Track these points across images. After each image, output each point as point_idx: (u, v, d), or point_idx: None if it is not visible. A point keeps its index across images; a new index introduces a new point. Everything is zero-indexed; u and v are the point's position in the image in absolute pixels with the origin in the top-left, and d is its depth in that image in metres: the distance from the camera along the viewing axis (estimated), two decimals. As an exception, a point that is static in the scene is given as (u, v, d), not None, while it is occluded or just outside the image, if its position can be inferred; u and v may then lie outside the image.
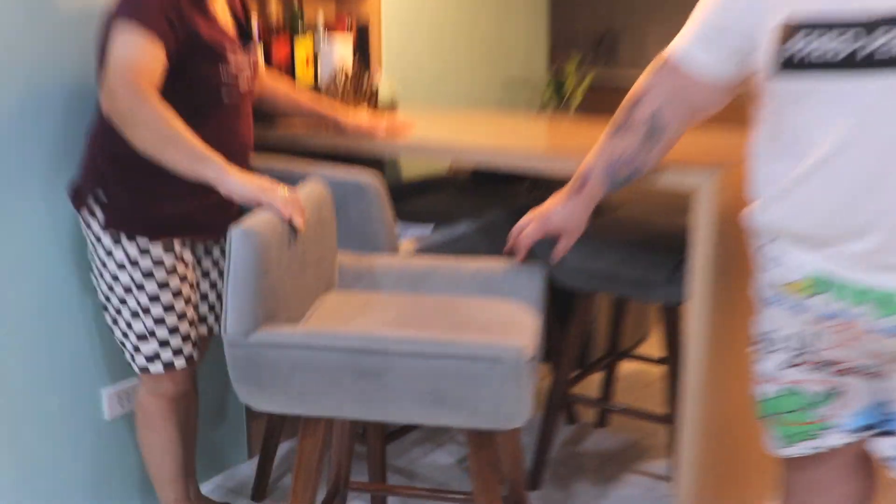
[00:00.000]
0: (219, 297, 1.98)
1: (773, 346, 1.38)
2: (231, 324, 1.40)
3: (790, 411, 1.39)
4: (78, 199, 1.82)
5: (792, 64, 1.20)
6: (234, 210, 1.87)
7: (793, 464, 1.47)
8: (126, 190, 1.77)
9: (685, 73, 1.39)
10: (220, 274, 1.98)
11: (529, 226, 1.66)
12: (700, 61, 1.37)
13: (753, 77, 1.31)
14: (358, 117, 2.14)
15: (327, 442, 1.58)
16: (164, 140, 1.56)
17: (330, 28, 2.56)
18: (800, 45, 1.18)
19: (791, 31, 1.19)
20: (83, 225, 1.83)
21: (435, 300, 1.69)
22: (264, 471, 2.25)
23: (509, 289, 1.72)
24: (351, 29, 2.59)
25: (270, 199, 1.52)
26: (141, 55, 1.59)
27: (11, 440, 1.89)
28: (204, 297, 1.96)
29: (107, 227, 1.78)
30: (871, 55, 1.13)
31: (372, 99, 2.38)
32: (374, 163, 2.51)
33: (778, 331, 1.35)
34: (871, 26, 1.13)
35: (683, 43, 1.39)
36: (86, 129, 1.84)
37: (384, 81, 2.48)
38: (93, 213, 1.79)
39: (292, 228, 1.52)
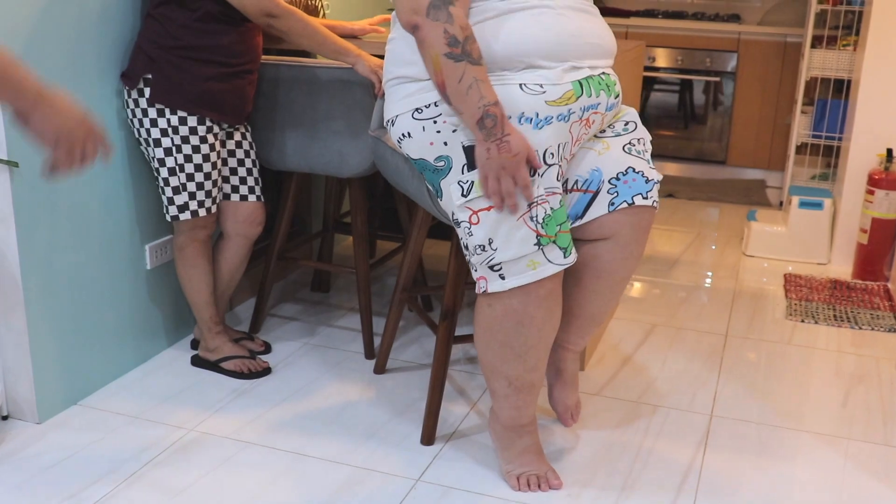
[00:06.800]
0: (248, 170, 2.50)
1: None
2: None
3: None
4: (130, 80, 2.25)
5: None
6: (250, 99, 2.38)
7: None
8: (172, 70, 2.21)
9: None
10: (245, 153, 2.49)
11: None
12: None
13: None
14: (357, 24, 2.76)
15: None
16: (315, 43, 2.29)
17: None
18: None
19: None
20: (131, 103, 2.26)
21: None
22: (260, 308, 2.83)
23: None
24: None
25: (377, 78, 2.30)
26: None
27: (72, 290, 2.27)
28: (234, 171, 2.46)
29: (153, 100, 2.22)
30: None
31: (320, 12, 3.10)
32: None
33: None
34: None
35: None
36: (130, 30, 2.32)
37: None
38: (141, 93, 2.24)
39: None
